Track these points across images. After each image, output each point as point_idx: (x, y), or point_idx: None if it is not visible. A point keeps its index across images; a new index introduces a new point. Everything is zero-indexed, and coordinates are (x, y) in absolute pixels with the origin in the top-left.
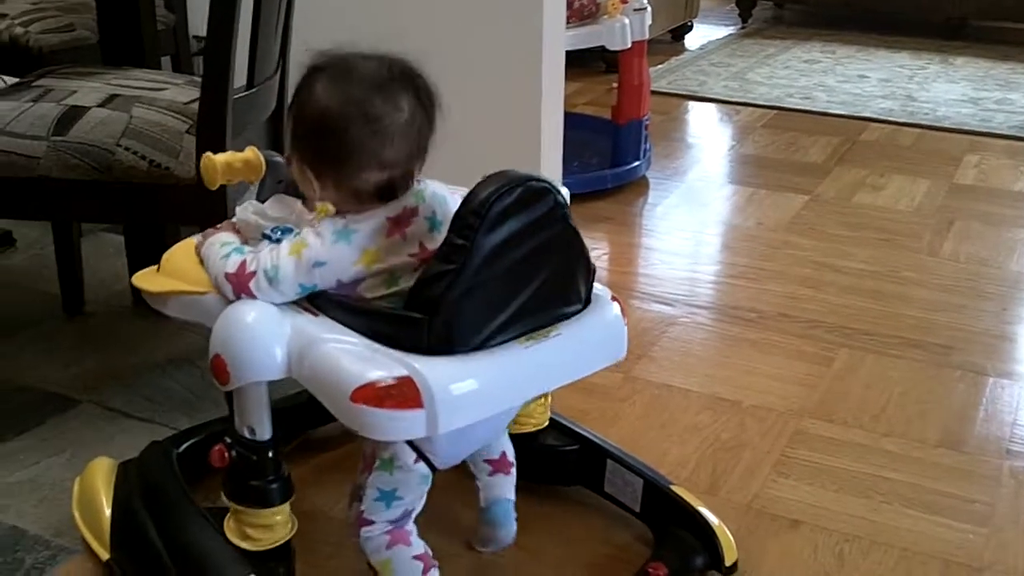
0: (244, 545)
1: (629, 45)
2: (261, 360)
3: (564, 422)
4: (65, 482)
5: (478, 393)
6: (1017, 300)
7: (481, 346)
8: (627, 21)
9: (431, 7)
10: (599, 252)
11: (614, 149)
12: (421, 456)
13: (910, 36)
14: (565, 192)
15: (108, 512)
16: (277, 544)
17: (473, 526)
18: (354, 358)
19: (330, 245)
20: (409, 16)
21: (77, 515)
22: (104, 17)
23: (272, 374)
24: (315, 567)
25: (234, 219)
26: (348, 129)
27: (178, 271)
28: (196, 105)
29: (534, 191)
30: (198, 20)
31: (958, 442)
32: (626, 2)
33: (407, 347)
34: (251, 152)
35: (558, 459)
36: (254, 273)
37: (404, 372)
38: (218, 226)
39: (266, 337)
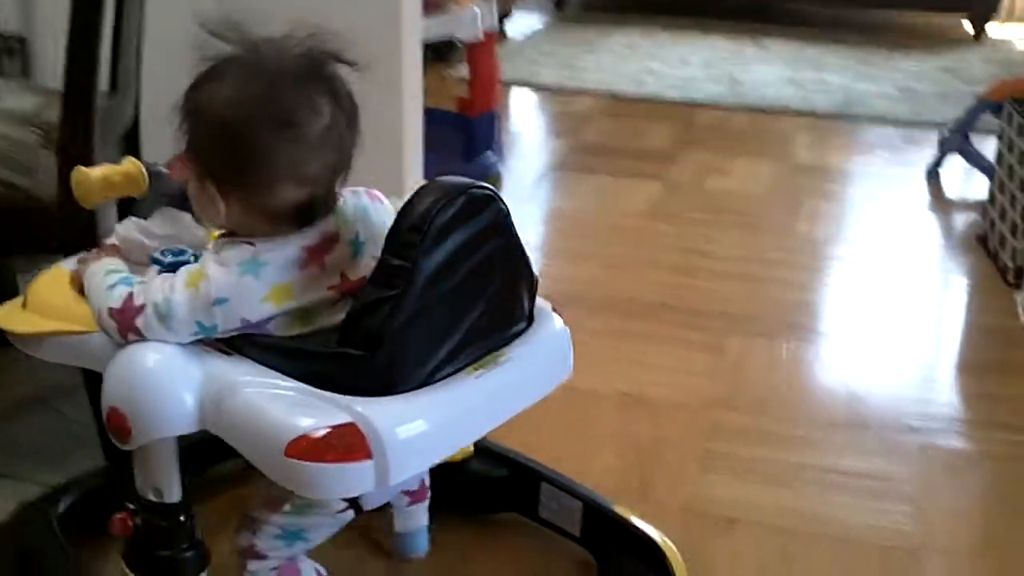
0: None
1: (481, 35)
2: (169, 412)
3: (491, 446)
4: None
5: (430, 435)
6: (882, 278)
7: (427, 380)
8: (478, 11)
9: None
10: None
11: (468, 143)
12: (351, 502)
13: (720, 19)
14: None
15: None
16: None
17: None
18: (285, 404)
19: (235, 278)
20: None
21: None
22: None
23: (182, 427)
24: None
25: (114, 239)
26: (259, 134)
27: (50, 306)
28: (48, 114)
29: (477, 199)
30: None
31: (862, 421)
32: None
33: (344, 389)
34: (130, 164)
35: (488, 486)
36: (142, 307)
37: (346, 418)
38: (98, 249)
39: (173, 384)
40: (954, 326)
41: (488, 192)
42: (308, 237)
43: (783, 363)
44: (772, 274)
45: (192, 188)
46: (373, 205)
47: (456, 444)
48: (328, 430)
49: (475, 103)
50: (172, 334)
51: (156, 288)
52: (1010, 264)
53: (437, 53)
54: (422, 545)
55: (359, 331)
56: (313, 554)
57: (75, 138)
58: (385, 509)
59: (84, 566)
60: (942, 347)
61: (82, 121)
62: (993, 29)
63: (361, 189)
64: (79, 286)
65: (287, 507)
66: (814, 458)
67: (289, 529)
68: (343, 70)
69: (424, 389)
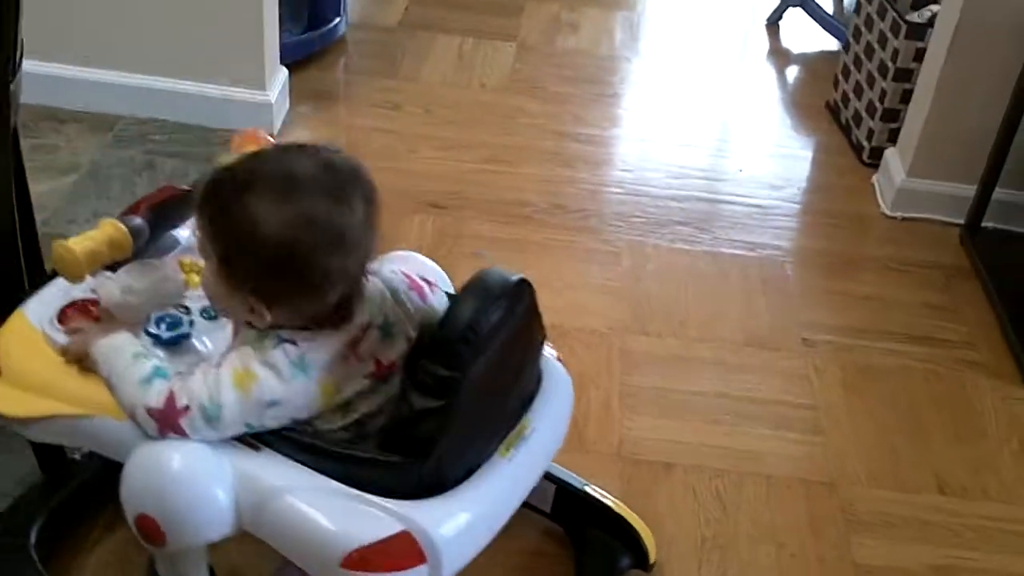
0: None
1: None
2: (205, 518)
3: None
4: None
5: (476, 528)
6: (731, 151)
7: (468, 474)
8: None
9: None
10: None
11: (313, 8)
12: None
13: None
14: None
15: None
16: None
17: None
18: (338, 514)
19: (287, 382)
20: None
21: None
22: None
23: (219, 531)
24: None
25: (102, 303)
26: (315, 254)
27: (38, 381)
28: None
29: (515, 295)
30: None
31: (760, 339)
32: None
33: (388, 491)
34: (110, 227)
35: None
36: (187, 409)
37: (400, 526)
38: (81, 313)
39: (207, 488)
40: (812, 210)
41: (520, 279)
42: (348, 333)
43: (676, 274)
44: (649, 159)
45: (228, 299)
46: (391, 274)
47: (496, 526)
48: (381, 540)
49: None
50: (218, 434)
51: (200, 388)
52: (866, 144)
53: None
54: None
55: (409, 439)
56: None
57: None
58: None
59: None
60: (804, 235)
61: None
62: None
63: (397, 270)
64: (74, 358)
65: None
66: (727, 386)
67: None
68: None
69: (466, 484)
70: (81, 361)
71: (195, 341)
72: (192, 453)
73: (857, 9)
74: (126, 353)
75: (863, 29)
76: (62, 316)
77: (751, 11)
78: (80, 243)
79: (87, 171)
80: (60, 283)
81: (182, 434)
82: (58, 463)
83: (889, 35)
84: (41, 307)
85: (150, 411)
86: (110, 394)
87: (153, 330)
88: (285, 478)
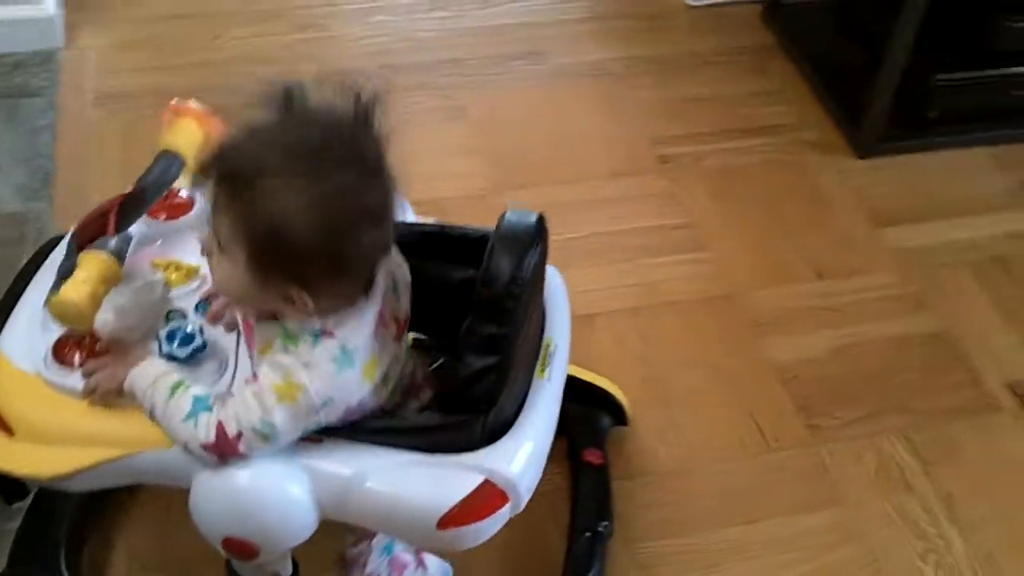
0: None
1: None
2: (292, 523)
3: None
4: None
5: (538, 452)
6: None
7: (519, 406)
8: None
9: None
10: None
11: None
12: None
13: None
14: None
15: None
16: None
17: None
18: (420, 483)
19: (334, 379)
20: None
21: None
22: None
23: (307, 531)
24: None
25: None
26: (358, 238)
27: (64, 430)
28: None
29: (540, 235)
30: None
31: (621, 169)
32: None
33: (457, 448)
34: (99, 261)
35: None
36: (240, 436)
37: (481, 478)
38: (85, 349)
39: (284, 494)
40: (616, 14)
41: (540, 217)
42: (375, 301)
43: (522, 109)
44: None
45: (250, 287)
46: None
47: (550, 440)
48: (469, 495)
49: None
50: (276, 448)
51: (244, 410)
52: None
53: None
54: None
55: (469, 398)
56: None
57: None
58: None
59: None
60: (618, 44)
61: None
62: None
63: None
64: (102, 399)
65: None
66: (611, 224)
67: (385, 542)
68: None
69: (521, 418)
70: (106, 399)
71: (208, 342)
72: (259, 465)
73: None
74: (161, 387)
75: None
76: (58, 355)
77: None
78: (76, 290)
79: None
80: (20, 314)
81: (242, 458)
82: (19, 489)
83: None
84: (22, 346)
85: (204, 447)
86: (147, 425)
87: (167, 349)
88: (358, 463)
